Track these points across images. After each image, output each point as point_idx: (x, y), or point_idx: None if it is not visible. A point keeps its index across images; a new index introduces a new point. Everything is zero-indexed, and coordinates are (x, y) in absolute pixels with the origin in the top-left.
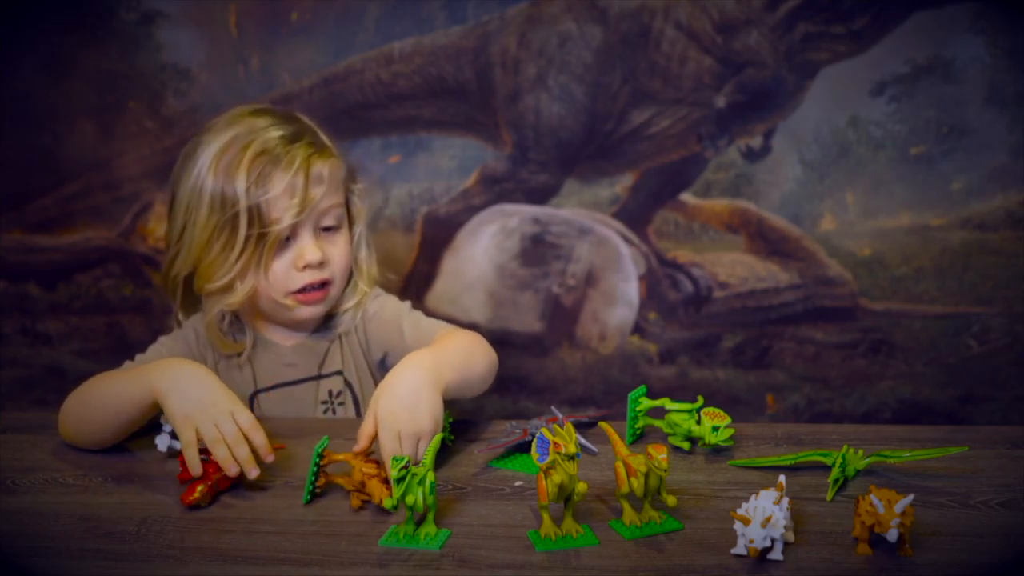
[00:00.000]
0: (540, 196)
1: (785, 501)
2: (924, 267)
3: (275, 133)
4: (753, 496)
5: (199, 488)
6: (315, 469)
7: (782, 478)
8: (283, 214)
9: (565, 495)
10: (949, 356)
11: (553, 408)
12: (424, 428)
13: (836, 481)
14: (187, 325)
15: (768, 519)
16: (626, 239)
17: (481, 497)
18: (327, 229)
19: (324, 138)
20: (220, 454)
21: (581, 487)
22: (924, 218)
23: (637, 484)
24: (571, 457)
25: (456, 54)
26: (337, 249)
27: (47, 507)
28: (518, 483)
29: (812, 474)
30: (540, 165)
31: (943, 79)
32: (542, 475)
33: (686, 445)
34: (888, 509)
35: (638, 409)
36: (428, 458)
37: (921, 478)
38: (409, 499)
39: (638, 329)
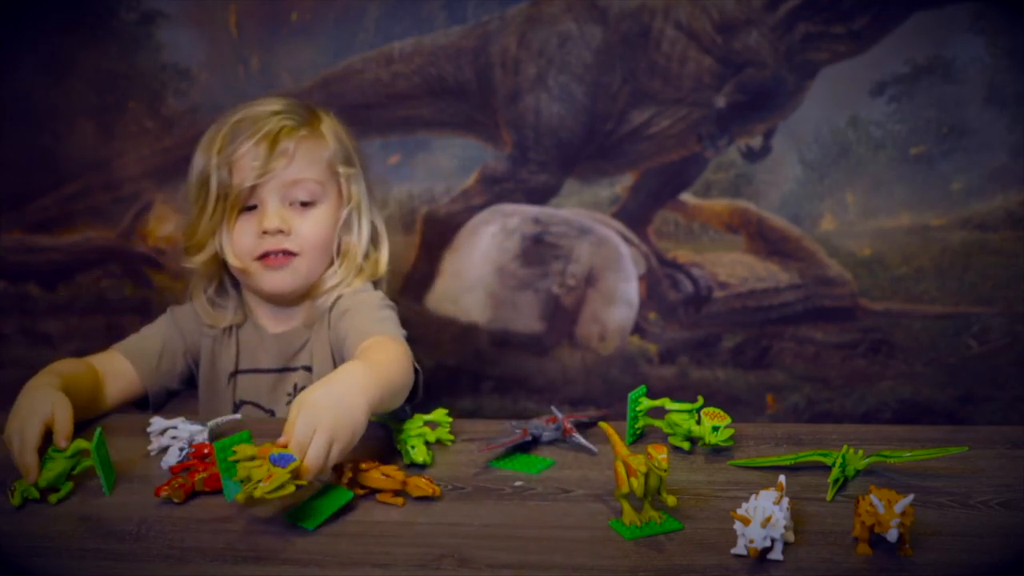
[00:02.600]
0: (540, 196)
1: (785, 501)
2: (924, 267)
3: (260, 108)
4: (753, 496)
5: (174, 483)
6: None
7: (782, 478)
8: (244, 176)
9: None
10: (949, 356)
11: (553, 408)
12: (341, 435)
13: (836, 481)
14: (169, 309)
15: (768, 519)
16: (626, 239)
17: (481, 497)
18: (303, 204)
19: (320, 121)
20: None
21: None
22: (924, 218)
23: (637, 484)
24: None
25: (456, 54)
26: (308, 223)
27: (47, 507)
28: (518, 483)
29: (812, 474)
30: (540, 165)
31: (943, 79)
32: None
33: (686, 445)
34: (888, 509)
35: (638, 409)
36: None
37: (921, 478)
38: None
39: (638, 329)
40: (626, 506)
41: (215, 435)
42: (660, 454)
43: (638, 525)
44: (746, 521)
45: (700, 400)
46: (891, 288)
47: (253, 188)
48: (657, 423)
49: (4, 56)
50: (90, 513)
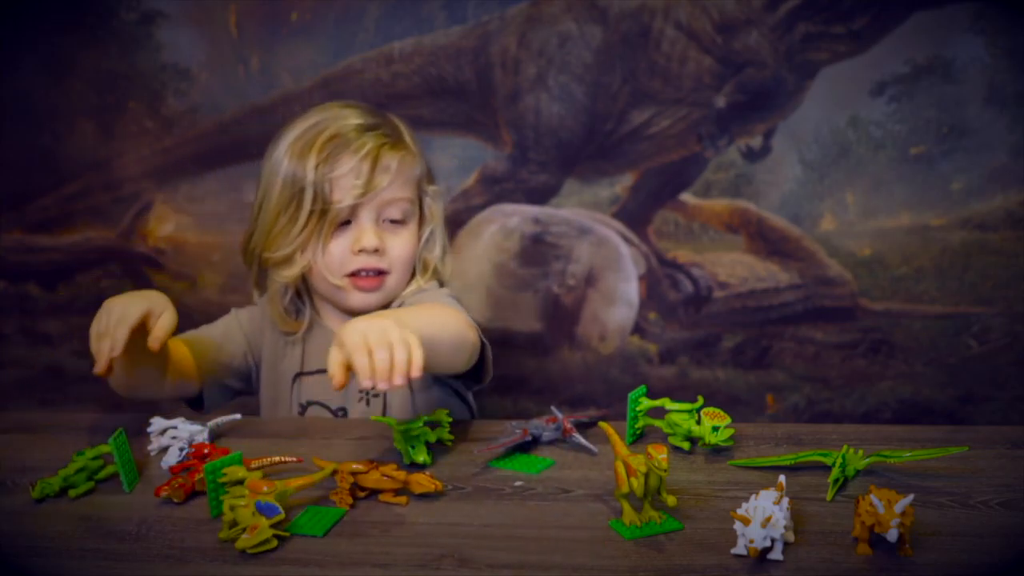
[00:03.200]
0: (540, 196)
1: (785, 501)
2: (924, 267)
3: (352, 121)
4: (753, 496)
5: (174, 483)
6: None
7: (782, 478)
8: (345, 194)
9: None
10: (949, 356)
11: (553, 408)
12: (392, 336)
13: (836, 481)
14: (260, 302)
15: (768, 519)
16: (626, 239)
17: (481, 497)
18: (393, 222)
19: (406, 136)
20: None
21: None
22: (924, 218)
23: (637, 484)
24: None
25: (456, 54)
26: (399, 242)
27: (47, 507)
28: (518, 483)
29: (812, 474)
30: (540, 165)
31: (943, 79)
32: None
33: (686, 445)
34: (888, 509)
35: (638, 409)
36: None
37: (921, 478)
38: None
39: (638, 329)
40: (626, 506)
41: (215, 435)
42: (660, 454)
43: (638, 525)
44: (746, 521)
45: (700, 400)
46: (891, 288)
47: (352, 206)
48: (657, 423)
49: (4, 56)
50: (90, 513)
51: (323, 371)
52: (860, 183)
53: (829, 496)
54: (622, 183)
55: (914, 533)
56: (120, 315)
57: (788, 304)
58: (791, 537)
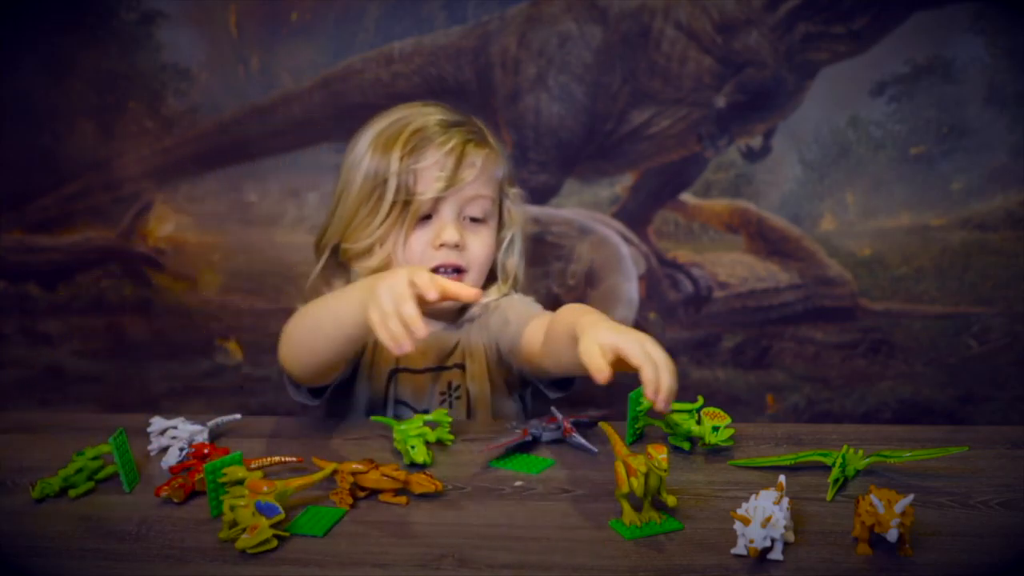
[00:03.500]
0: (540, 196)
1: (785, 501)
2: (924, 267)
3: (437, 117)
4: (753, 496)
5: (174, 483)
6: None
7: (782, 478)
8: (429, 187)
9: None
10: (949, 356)
11: (553, 408)
12: (659, 355)
13: (836, 481)
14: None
15: (768, 519)
16: (626, 239)
17: (481, 497)
18: (474, 220)
19: (489, 135)
20: (388, 329)
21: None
22: (924, 218)
23: (637, 484)
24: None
25: (456, 54)
26: (478, 240)
27: (47, 507)
28: (518, 483)
29: (812, 474)
30: (540, 165)
31: (943, 79)
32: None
33: (686, 445)
34: (888, 509)
35: (638, 409)
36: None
37: (921, 478)
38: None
39: (638, 329)
40: (626, 506)
41: (215, 435)
42: (660, 454)
43: (638, 525)
44: (746, 521)
45: (700, 400)
46: (891, 288)
47: (434, 199)
48: (657, 423)
49: (4, 56)
50: (90, 513)
51: (408, 370)
52: (860, 183)
53: (829, 496)
54: (622, 183)
55: (914, 533)
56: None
57: (788, 304)
58: (791, 537)
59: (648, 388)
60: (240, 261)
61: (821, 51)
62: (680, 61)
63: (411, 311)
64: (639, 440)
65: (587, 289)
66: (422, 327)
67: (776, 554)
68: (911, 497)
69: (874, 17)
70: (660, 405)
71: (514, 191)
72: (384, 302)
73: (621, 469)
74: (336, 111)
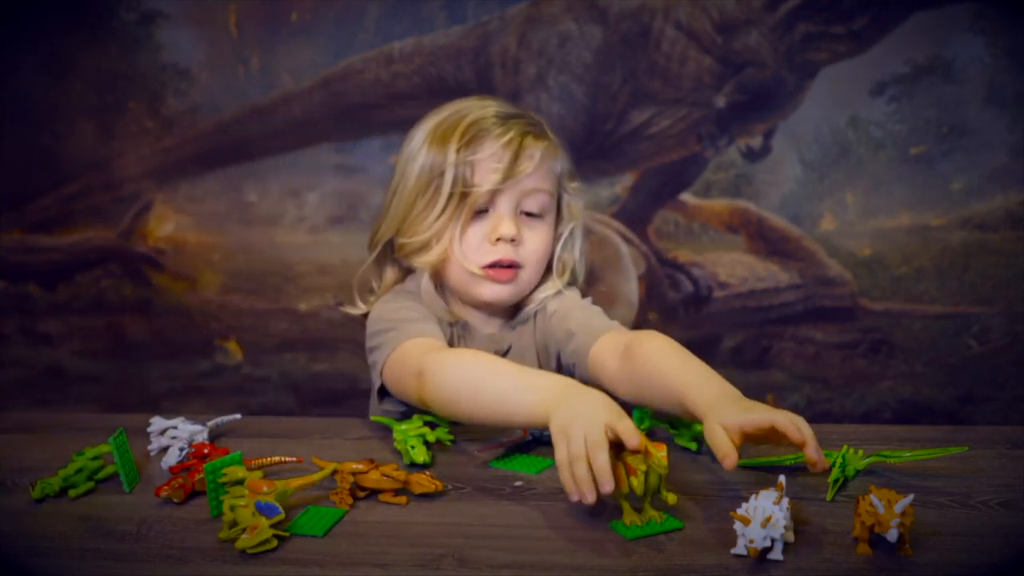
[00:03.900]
0: None
1: (785, 501)
2: (924, 267)
3: (494, 110)
4: (753, 496)
5: (174, 483)
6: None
7: (782, 478)
8: (486, 178)
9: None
10: (949, 356)
11: None
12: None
13: (836, 481)
14: (400, 292)
15: (768, 519)
16: (626, 239)
17: (481, 497)
18: (530, 215)
19: (547, 129)
20: (573, 472)
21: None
22: (924, 218)
23: (637, 483)
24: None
25: (456, 54)
26: (535, 235)
27: (47, 507)
28: (518, 483)
29: (812, 474)
30: None
31: (943, 79)
32: (620, 464)
33: (693, 445)
34: (888, 509)
35: (644, 410)
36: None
37: (921, 478)
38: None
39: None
40: (626, 506)
41: (215, 435)
42: (659, 452)
43: (638, 524)
44: (746, 521)
45: None
46: (891, 288)
47: (491, 192)
48: (663, 424)
49: (4, 56)
50: (90, 513)
51: None
52: (860, 183)
53: (829, 496)
54: (622, 183)
55: (914, 533)
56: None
57: (788, 304)
58: (791, 537)
59: (811, 454)
60: (240, 261)
61: (821, 51)
62: (680, 61)
63: (604, 462)
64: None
65: (587, 289)
66: (611, 481)
67: (776, 554)
68: (911, 497)
69: (874, 17)
70: (821, 466)
71: (574, 186)
72: (577, 442)
73: (620, 469)
74: (336, 111)
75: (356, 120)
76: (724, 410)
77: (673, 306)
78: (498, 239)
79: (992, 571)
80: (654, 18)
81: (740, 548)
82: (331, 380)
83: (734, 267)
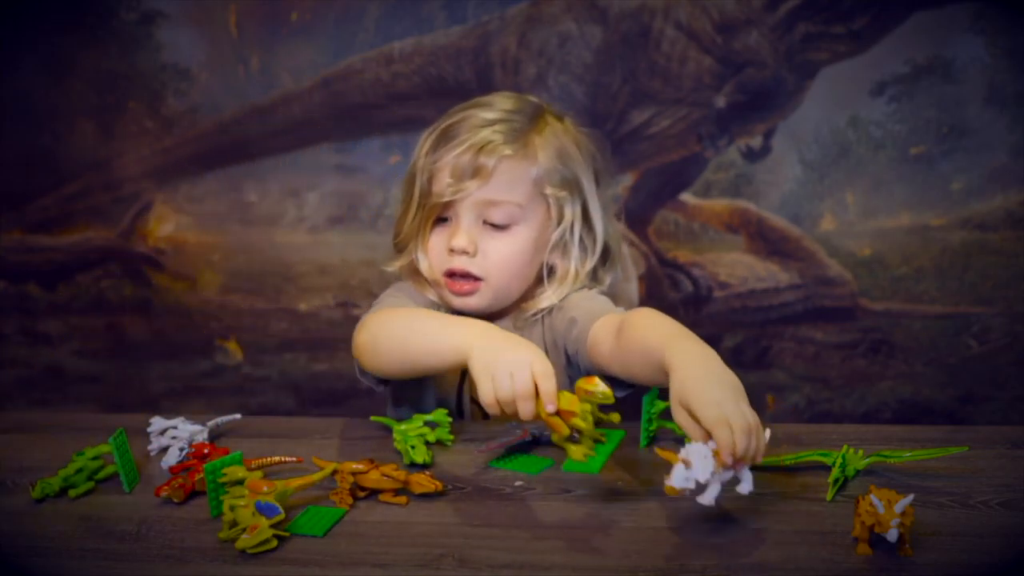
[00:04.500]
0: None
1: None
2: (924, 267)
3: (481, 115)
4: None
5: (174, 483)
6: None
7: (712, 443)
8: (443, 189)
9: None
10: (949, 356)
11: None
12: (752, 421)
13: (836, 481)
14: (402, 285)
15: (687, 462)
16: (626, 239)
17: (481, 497)
18: (495, 226)
19: (534, 135)
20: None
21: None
22: (924, 218)
23: (585, 423)
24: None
25: (456, 54)
26: (498, 247)
27: (47, 507)
28: (518, 483)
29: (812, 474)
30: None
31: (943, 79)
32: (553, 417)
33: None
34: (888, 509)
35: (652, 411)
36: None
37: (921, 478)
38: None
39: None
40: (570, 447)
41: (215, 435)
42: (597, 385)
43: (592, 454)
44: (673, 459)
45: None
46: (891, 288)
47: (450, 202)
48: (671, 425)
49: (4, 56)
50: (90, 513)
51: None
52: (860, 183)
53: (829, 496)
54: (622, 183)
55: (914, 533)
56: (544, 368)
57: (788, 304)
58: (745, 488)
59: (723, 452)
60: (240, 261)
61: (821, 51)
62: (680, 61)
63: (529, 412)
64: (653, 443)
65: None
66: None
67: (708, 499)
68: (911, 497)
69: (874, 17)
70: (727, 462)
71: (561, 193)
72: (504, 385)
73: (555, 419)
74: (336, 111)
75: (356, 120)
76: (682, 388)
77: (673, 306)
78: (451, 249)
79: (992, 571)
80: (654, 18)
81: (676, 481)
82: (331, 380)
83: (734, 267)
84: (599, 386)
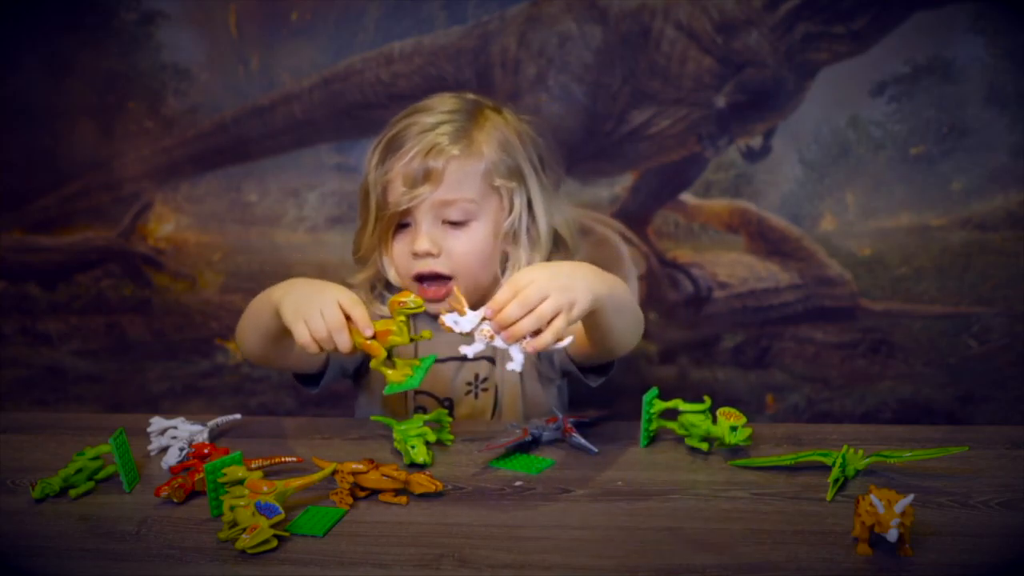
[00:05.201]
0: None
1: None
2: (924, 267)
3: (423, 120)
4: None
5: (174, 483)
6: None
7: (486, 325)
8: (396, 199)
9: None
10: (949, 356)
11: (553, 408)
12: (577, 297)
13: (836, 481)
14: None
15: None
16: (626, 239)
17: (481, 497)
18: (454, 224)
19: (477, 132)
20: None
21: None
22: (924, 218)
23: (400, 336)
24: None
25: (456, 54)
26: (461, 243)
27: (47, 507)
28: (518, 483)
29: (812, 474)
30: None
31: (943, 79)
32: (370, 343)
33: (704, 446)
34: (888, 509)
35: (652, 411)
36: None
37: (921, 478)
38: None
39: None
40: (386, 371)
41: (215, 435)
42: (406, 297)
43: (411, 374)
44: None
45: (708, 400)
46: (891, 288)
47: (408, 208)
48: (671, 425)
49: (4, 56)
50: (90, 513)
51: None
52: (860, 183)
53: (829, 496)
54: (622, 183)
55: (914, 533)
56: (350, 298)
57: (788, 304)
58: (513, 365)
59: (490, 305)
60: (240, 261)
61: (821, 51)
62: (680, 61)
63: (346, 342)
64: (653, 442)
65: None
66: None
67: (467, 350)
68: (911, 497)
69: (874, 17)
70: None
71: (510, 184)
72: (317, 322)
73: (372, 344)
74: (336, 111)
75: (356, 120)
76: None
77: (673, 306)
78: (415, 254)
79: (992, 571)
80: (654, 18)
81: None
82: None
83: (734, 267)
84: (411, 297)
